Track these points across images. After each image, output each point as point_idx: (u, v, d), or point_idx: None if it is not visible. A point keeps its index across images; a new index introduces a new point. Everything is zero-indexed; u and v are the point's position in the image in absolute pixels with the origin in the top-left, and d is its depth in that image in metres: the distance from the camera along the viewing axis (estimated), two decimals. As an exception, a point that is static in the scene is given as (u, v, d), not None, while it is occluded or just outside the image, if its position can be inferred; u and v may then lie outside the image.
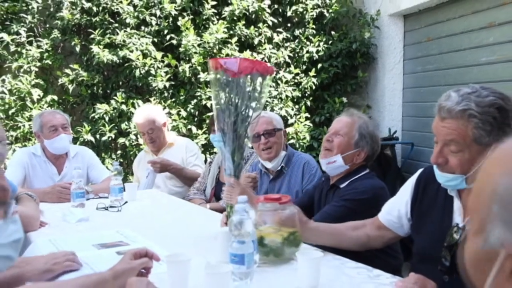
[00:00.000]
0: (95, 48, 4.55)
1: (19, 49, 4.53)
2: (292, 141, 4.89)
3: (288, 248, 1.73)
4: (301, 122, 5.01)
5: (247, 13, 4.93)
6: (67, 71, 4.64)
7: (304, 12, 5.14)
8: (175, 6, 4.75)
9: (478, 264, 0.65)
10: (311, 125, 5.06)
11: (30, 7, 4.57)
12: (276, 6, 5.15)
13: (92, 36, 4.61)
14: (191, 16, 4.83)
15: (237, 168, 1.88)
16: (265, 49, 4.98)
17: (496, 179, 0.62)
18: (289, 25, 5.26)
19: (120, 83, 4.81)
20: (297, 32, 5.17)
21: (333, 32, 5.18)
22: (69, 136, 3.22)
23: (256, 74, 1.79)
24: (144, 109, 3.86)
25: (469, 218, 0.71)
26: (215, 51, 4.77)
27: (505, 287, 0.60)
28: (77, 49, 4.66)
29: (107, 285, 1.39)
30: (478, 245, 0.64)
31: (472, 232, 0.66)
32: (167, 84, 4.72)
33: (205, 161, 4.83)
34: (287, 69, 5.09)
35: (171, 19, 4.78)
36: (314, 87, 5.07)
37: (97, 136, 4.62)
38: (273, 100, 4.98)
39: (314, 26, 5.13)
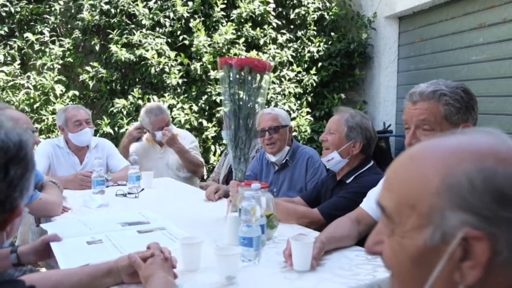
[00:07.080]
0: (113, 47, 4.53)
1: (43, 48, 4.52)
2: (294, 133, 4.86)
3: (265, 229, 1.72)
4: (303, 117, 5.00)
5: (254, 16, 4.90)
6: (88, 68, 4.63)
7: (306, 14, 5.10)
8: (187, 9, 4.72)
9: (420, 260, 0.57)
10: (311, 119, 5.04)
11: (53, 8, 4.55)
12: (280, 9, 5.13)
13: (110, 36, 4.59)
14: (202, 18, 4.81)
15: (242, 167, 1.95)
16: (270, 49, 4.95)
17: (448, 171, 0.56)
18: (292, 27, 5.23)
19: (137, 80, 4.80)
20: (299, 34, 5.14)
21: (332, 34, 5.15)
22: (92, 130, 3.20)
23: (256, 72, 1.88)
24: (160, 105, 3.69)
25: (382, 217, 0.63)
26: (224, 50, 4.74)
27: (453, 277, 0.54)
28: (97, 48, 4.64)
29: (113, 274, 1.32)
30: (424, 239, 0.56)
31: (409, 229, 0.58)
32: (180, 81, 4.70)
33: (215, 152, 4.85)
34: (290, 68, 5.07)
35: (183, 21, 4.75)
36: (314, 84, 5.05)
37: (116, 128, 4.61)
38: (277, 96, 4.96)
39: (315, 28, 5.10)
